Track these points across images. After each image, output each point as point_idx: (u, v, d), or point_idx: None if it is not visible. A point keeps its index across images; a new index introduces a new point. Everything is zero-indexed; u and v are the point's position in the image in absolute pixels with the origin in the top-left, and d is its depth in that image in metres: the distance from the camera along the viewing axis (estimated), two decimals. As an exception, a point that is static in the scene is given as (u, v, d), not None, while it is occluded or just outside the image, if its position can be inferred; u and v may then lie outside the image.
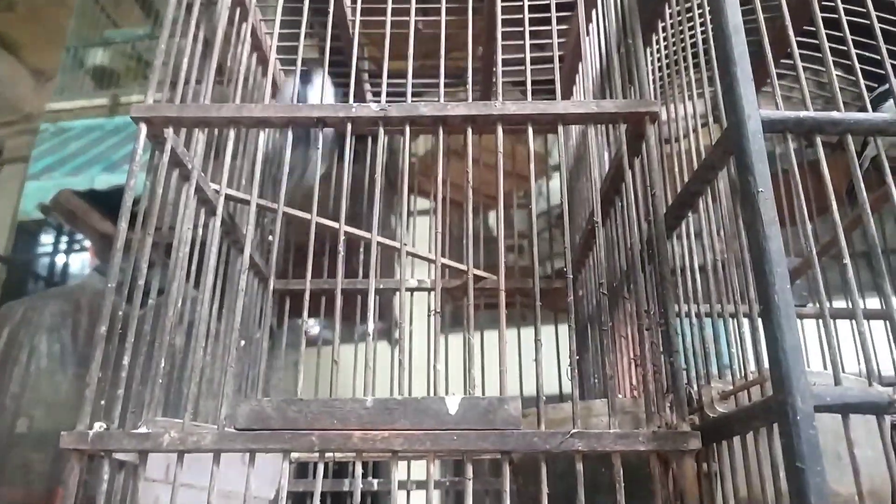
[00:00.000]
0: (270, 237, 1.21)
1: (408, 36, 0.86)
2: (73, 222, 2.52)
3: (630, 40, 0.85)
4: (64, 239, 4.15)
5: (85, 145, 2.85)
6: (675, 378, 0.65)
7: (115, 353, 0.73)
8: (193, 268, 0.91)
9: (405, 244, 0.92)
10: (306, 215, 1.09)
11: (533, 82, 0.85)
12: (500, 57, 0.79)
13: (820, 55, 0.74)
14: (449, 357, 1.12)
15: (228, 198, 1.04)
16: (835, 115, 0.68)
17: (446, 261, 1.22)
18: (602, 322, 0.77)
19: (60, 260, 4.29)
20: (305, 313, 0.80)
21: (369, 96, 1.38)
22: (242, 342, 1.12)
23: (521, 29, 0.88)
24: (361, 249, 1.30)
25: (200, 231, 0.91)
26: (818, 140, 0.68)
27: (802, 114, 0.68)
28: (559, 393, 1.32)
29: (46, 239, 4.19)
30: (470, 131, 0.79)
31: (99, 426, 0.62)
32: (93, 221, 2.41)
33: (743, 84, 0.67)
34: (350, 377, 1.04)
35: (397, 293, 1.38)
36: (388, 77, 0.84)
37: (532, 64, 0.89)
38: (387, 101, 0.82)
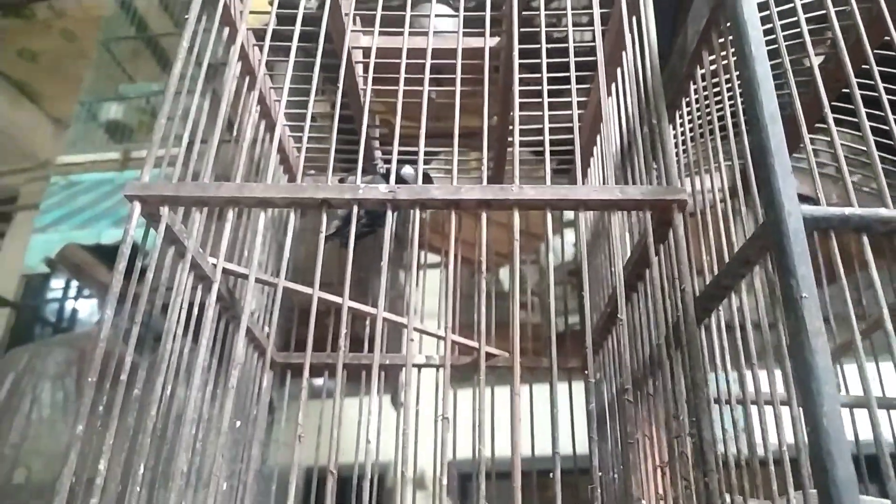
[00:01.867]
0: (267, 330, 1.15)
1: (420, 102, 0.82)
2: (79, 276, 2.49)
3: (655, 121, 0.80)
4: (74, 285, 4.13)
5: (94, 199, 2.85)
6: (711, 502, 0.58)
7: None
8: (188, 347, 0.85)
9: (413, 310, 0.86)
10: (308, 290, 1.04)
11: (550, 151, 0.80)
12: (517, 138, 0.75)
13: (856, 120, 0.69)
14: (457, 413, 1.07)
15: (227, 272, 0.99)
16: (883, 212, 0.62)
17: (457, 338, 1.16)
18: (627, 433, 0.69)
19: (69, 305, 4.26)
20: (305, 394, 0.74)
21: (379, 163, 1.34)
22: (238, 423, 1.05)
23: (538, 100, 0.84)
24: (367, 322, 1.24)
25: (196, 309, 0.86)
26: (865, 239, 0.62)
27: (848, 211, 0.62)
28: (573, 454, 1.24)
29: (57, 284, 4.18)
30: (484, 215, 0.74)
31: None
32: (99, 275, 2.37)
33: (782, 178, 0.62)
34: (353, 430, 0.99)
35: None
36: (401, 140, 0.80)
37: (550, 133, 0.84)
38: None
